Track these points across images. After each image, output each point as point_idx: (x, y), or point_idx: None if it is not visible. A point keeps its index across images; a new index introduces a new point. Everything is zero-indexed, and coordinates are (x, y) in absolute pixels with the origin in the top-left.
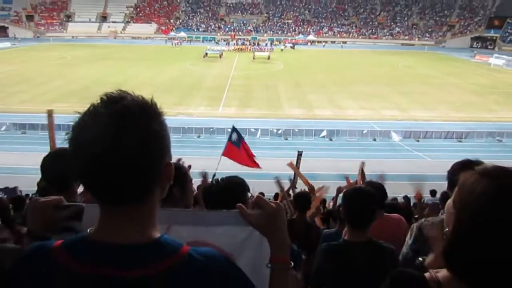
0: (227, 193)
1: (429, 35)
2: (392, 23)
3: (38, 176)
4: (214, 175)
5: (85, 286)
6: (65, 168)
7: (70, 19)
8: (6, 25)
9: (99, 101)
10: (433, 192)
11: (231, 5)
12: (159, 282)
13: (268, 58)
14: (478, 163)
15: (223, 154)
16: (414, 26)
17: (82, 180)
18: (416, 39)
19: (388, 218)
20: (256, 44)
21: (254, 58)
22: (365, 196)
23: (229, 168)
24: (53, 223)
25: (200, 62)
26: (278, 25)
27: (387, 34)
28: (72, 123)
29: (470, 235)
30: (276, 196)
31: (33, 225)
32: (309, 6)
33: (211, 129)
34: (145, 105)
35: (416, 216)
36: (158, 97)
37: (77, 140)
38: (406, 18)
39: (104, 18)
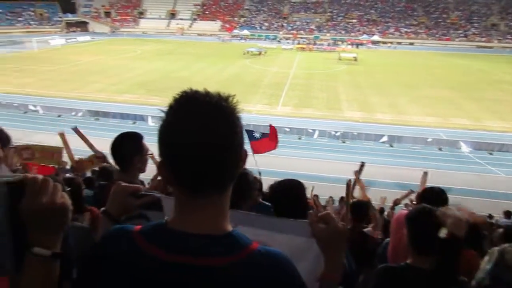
0: (287, 195)
1: (511, 37)
2: (467, 24)
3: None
4: (259, 173)
5: (160, 270)
6: (128, 150)
7: (142, 16)
8: (87, 21)
9: (186, 94)
10: (508, 213)
11: (294, 3)
12: (226, 273)
13: (355, 59)
14: None
15: (254, 153)
16: (494, 27)
17: (170, 168)
18: (496, 41)
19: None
20: (315, 43)
21: (340, 59)
22: (434, 220)
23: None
24: (128, 208)
25: (260, 60)
26: (341, 24)
27: (461, 35)
28: (161, 114)
29: None
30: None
31: (111, 207)
32: (376, 5)
33: (267, 127)
34: (229, 98)
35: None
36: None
37: (171, 127)
38: (484, 18)
39: (173, 15)
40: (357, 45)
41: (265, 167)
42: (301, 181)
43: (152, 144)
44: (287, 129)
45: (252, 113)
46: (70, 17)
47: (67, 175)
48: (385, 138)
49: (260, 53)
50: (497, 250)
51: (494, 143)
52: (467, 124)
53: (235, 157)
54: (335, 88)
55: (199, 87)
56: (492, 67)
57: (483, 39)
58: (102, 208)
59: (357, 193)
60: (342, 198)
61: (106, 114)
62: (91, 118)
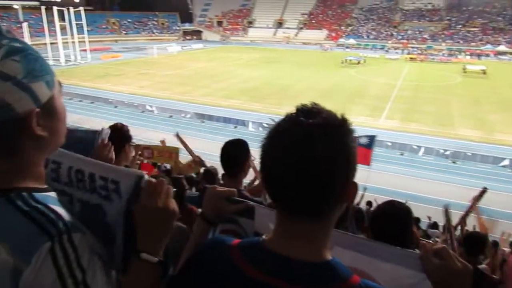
0: (390, 219)
1: None
2: None
3: (208, 161)
4: (365, 189)
5: None
6: (239, 156)
7: (251, 25)
8: (201, 29)
9: (296, 111)
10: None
11: (407, 11)
12: None
13: (484, 72)
14: None
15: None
16: None
17: (268, 185)
18: None
19: None
20: (428, 53)
21: (465, 71)
22: None
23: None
24: (222, 213)
25: (364, 69)
26: (460, 33)
27: None
28: (268, 129)
29: None
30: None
31: (206, 209)
32: (504, 12)
33: (355, 132)
34: (341, 120)
35: None
36: (321, 103)
37: (271, 145)
38: None
39: (280, 24)
40: (478, 56)
41: (361, 181)
42: (400, 200)
43: (252, 149)
44: (389, 144)
45: (353, 125)
46: (187, 26)
47: (174, 175)
48: (506, 162)
49: (358, 62)
50: None
51: None
52: None
53: (338, 186)
54: (447, 102)
55: (301, 95)
56: None
57: None
58: (199, 210)
59: (471, 221)
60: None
61: (210, 117)
62: (198, 120)
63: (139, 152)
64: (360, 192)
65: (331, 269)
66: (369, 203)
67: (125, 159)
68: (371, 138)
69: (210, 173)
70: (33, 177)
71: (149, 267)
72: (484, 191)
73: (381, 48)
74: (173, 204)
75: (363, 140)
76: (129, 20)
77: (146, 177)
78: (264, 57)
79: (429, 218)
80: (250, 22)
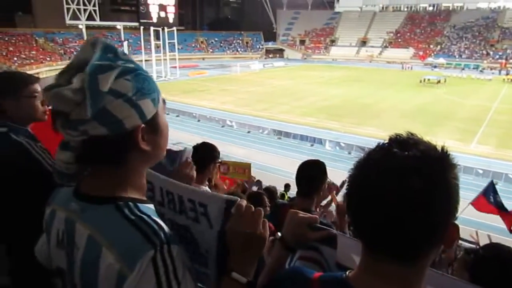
0: (495, 267)
1: None
2: None
3: (282, 178)
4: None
5: None
6: (317, 177)
7: (333, 43)
8: (283, 48)
9: (389, 141)
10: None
11: (507, 29)
12: None
13: None
14: None
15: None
16: None
17: (353, 219)
18: None
19: None
20: None
21: None
22: None
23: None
24: (303, 240)
25: (455, 89)
26: None
27: None
28: (358, 159)
29: None
30: None
31: (287, 234)
32: None
33: (458, 166)
34: (441, 153)
35: None
36: (403, 123)
37: (360, 177)
38: None
39: (363, 42)
40: None
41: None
42: (493, 234)
43: (328, 169)
44: (480, 171)
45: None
46: (270, 45)
47: (254, 188)
48: None
49: (439, 81)
50: None
51: None
52: None
53: (435, 227)
54: None
55: (382, 115)
56: None
57: None
58: (279, 234)
59: None
60: None
61: (287, 134)
62: (275, 136)
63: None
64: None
65: None
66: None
67: (209, 174)
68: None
69: (270, 191)
70: (137, 188)
71: (238, 287)
72: None
73: (474, 68)
74: (261, 229)
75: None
76: (216, 39)
77: (237, 200)
78: (345, 76)
79: None
80: (333, 41)
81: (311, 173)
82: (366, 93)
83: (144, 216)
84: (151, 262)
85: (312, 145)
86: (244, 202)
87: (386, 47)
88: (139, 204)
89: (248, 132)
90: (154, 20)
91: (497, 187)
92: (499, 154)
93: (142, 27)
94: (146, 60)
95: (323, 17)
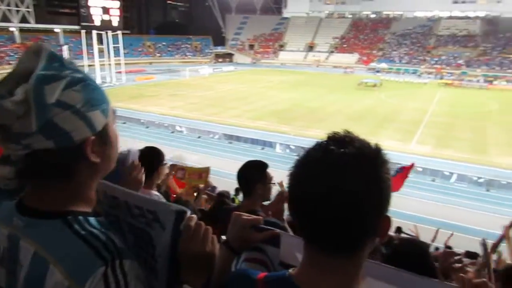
0: (408, 255)
1: None
2: None
3: (235, 182)
4: None
5: None
6: (252, 178)
7: (282, 48)
8: (233, 52)
9: (327, 139)
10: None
11: (441, 37)
12: None
13: None
14: None
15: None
16: None
17: (295, 215)
18: None
19: None
20: (461, 79)
21: None
22: None
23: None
24: (248, 241)
25: (395, 93)
26: (496, 60)
27: None
28: (297, 157)
29: None
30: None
31: (231, 238)
32: None
33: (398, 165)
34: (375, 150)
35: None
36: (348, 126)
37: (300, 174)
38: None
39: (311, 47)
40: None
41: (391, 207)
42: (431, 227)
43: (277, 171)
44: (420, 169)
45: (387, 155)
46: (219, 49)
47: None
48: None
49: (375, 85)
50: None
51: None
52: None
53: (371, 220)
54: (482, 129)
55: (329, 118)
56: None
57: None
58: (223, 238)
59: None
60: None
61: (238, 138)
62: (226, 141)
63: (173, 172)
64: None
65: None
66: (398, 229)
67: (157, 178)
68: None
69: (223, 196)
70: (86, 201)
71: None
72: None
73: (413, 73)
74: (211, 247)
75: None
76: (163, 43)
77: (187, 212)
78: (294, 80)
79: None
80: (282, 46)
81: (248, 173)
82: (313, 96)
83: (95, 231)
84: (102, 279)
85: (263, 149)
86: (193, 220)
87: (332, 52)
88: (89, 218)
89: (199, 137)
90: (97, 23)
91: (434, 183)
92: (436, 153)
93: (84, 31)
94: (89, 65)
95: (271, 22)
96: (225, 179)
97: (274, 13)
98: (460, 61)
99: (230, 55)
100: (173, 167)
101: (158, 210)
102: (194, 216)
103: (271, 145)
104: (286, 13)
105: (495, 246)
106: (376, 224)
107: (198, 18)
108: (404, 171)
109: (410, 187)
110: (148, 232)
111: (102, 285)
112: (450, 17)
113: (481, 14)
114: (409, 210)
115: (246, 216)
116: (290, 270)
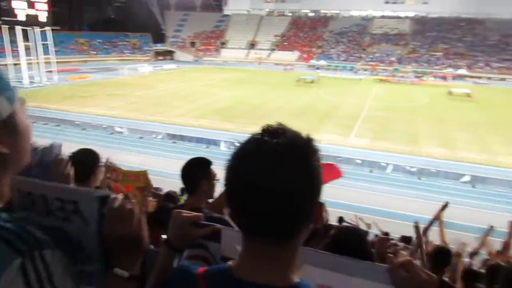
0: (347, 242)
1: None
2: None
3: (180, 182)
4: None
5: None
6: (195, 175)
7: (224, 46)
8: (173, 50)
9: (261, 131)
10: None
11: (375, 35)
12: None
13: (468, 95)
14: None
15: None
16: None
17: (233, 207)
18: None
19: None
20: (394, 76)
21: (451, 94)
22: None
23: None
24: (189, 238)
25: (334, 90)
26: (424, 57)
27: None
28: (233, 150)
29: None
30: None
31: (172, 236)
32: (464, 38)
33: (338, 158)
34: (306, 140)
35: None
36: (291, 122)
37: (235, 166)
38: None
39: (252, 45)
40: (443, 78)
41: (332, 198)
42: (371, 216)
43: (223, 168)
44: (359, 161)
45: (321, 143)
46: (159, 47)
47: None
48: (467, 178)
49: (312, 81)
50: None
51: None
52: None
53: (304, 206)
54: (415, 122)
55: (272, 115)
56: None
57: None
58: (164, 237)
59: (434, 235)
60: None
61: (182, 138)
62: (169, 141)
63: (108, 175)
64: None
65: None
66: (340, 219)
67: (95, 181)
68: None
69: (170, 196)
70: None
71: (123, 282)
72: (445, 205)
73: (350, 70)
74: (136, 228)
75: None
76: (99, 40)
77: (110, 196)
78: (236, 77)
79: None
80: (223, 43)
81: (192, 171)
82: (256, 94)
83: (8, 225)
84: (20, 271)
85: (207, 147)
86: (117, 202)
87: (273, 49)
88: (1, 213)
89: (141, 138)
90: (21, 18)
91: (372, 174)
92: (373, 146)
93: (6, 26)
94: (14, 64)
95: (212, 19)
96: (170, 179)
97: (214, 10)
98: (393, 58)
99: (171, 53)
100: (107, 168)
101: (80, 199)
102: (118, 197)
103: (215, 143)
104: (226, 10)
105: (426, 229)
106: (310, 211)
107: (136, 15)
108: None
109: (350, 178)
110: (64, 230)
111: (20, 277)
112: (383, 17)
113: (410, 14)
114: (350, 200)
115: (186, 213)
116: (230, 262)
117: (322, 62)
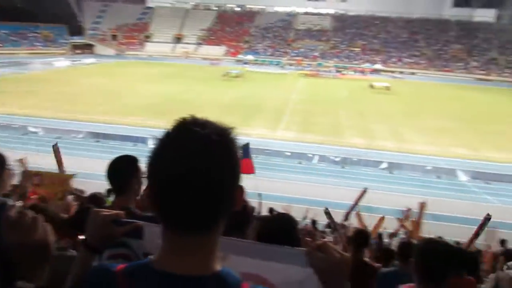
0: (276, 231)
1: (509, 72)
2: (467, 57)
3: (106, 182)
4: (260, 196)
5: None
6: (125, 173)
7: (148, 39)
8: (93, 43)
9: (179, 123)
10: (503, 242)
11: (299, 31)
12: None
13: (388, 89)
14: None
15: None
16: (493, 61)
17: (155, 201)
18: (494, 74)
19: (462, 280)
20: (318, 70)
21: (372, 87)
22: (446, 251)
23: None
24: (110, 237)
25: (264, 84)
26: (344, 52)
27: (461, 67)
28: (154, 142)
29: None
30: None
31: (91, 237)
32: (379, 35)
33: (267, 151)
34: (224, 130)
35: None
36: (219, 117)
37: (155, 160)
38: (484, 52)
39: (178, 39)
40: (361, 72)
41: (264, 191)
42: (300, 206)
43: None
44: (288, 154)
45: (252, 137)
46: (76, 40)
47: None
48: (384, 165)
49: (237, 75)
50: (493, 276)
51: (492, 173)
52: (466, 153)
53: (225, 195)
54: (336, 114)
55: (202, 110)
56: (492, 99)
57: (483, 72)
58: (81, 237)
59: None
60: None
61: (106, 136)
62: (92, 140)
63: (30, 180)
64: (257, 201)
65: (220, 280)
66: (271, 210)
67: (3, 187)
68: (246, 147)
69: (96, 198)
70: None
71: None
72: (364, 191)
73: (277, 64)
74: (41, 235)
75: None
76: (4, 31)
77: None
78: (163, 72)
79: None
80: (148, 37)
81: (120, 170)
82: (184, 89)
83: None
84: None
85: (135, 145)
86: (13, 210)
87: (200, 44)
88: None
89: (59, 138)
90: None
91: (299, 165)
92: (300, 138)
93: None
94: None
95: (135, 11)
96: (96, 181)
97: (136, 1)
98: (316, 54)
99: (90, 46)
100: (26, 174)
101: None
102: (16, 205)
103: (143, 140)
104: (150, 2)
105: (348, 213)
106: (232, 197)
107: (48, 4)
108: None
109: (280, 170)
110: None
111: None
112: (306, 13)
113: (331, 11)
114: (280, 192)
115: (105, 211)
116: (151, 257)
117: (250, 57)
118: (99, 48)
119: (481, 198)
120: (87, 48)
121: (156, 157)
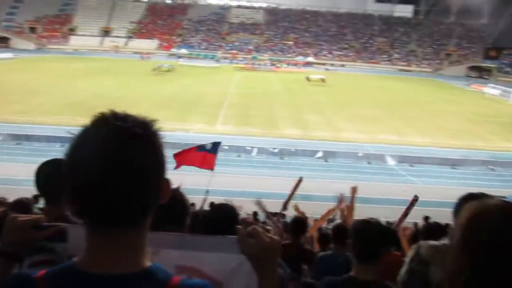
0: (219, 221)
1: (426, 63)
2: (390, 49)
3: (32, 188)
4: (207, 191)
5: None
6: (57, 179)
7: (73, 32)
8: (8, 36)
9: (99, 118)
10: (426, 218)
11: (233, 24)
12: None
13: (323, 81)
14: (480, 196)
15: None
16: (412, 53)
17: (76, 199)
18: (414, 65)
19: (392, 256)
20: (253, 63)
21: (309, 80)
22: (379, 230)
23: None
24: (30, 243)
25: (199, 78)
26: (278, 46)
27: (386, 59)
28: (71, 139)
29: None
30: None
31: (8, 244)
32: (310, 29)
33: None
34: (147, 123)
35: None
36: (156, 113)
37: (75, 156)
38: (404, 45)
39: (106, 32)
40: (295, 65)
41: (205, 185)
42: (242, 198)
43: None
44: (226, 147)
45: (190, 132)
46: None
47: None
48: (320, 154)
49: (168, 70)
50: (414, 246)
51: (415, 156)
52: (393, 139)
53: (151, 188)
54: (273, 106)
55: (136, 107)
56: (413, 88)
57: (404, 63)
58: None
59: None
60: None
61: (29, 138)
62: (12, 142)
63: None
64: (202, 197)
65: (150, 276)
66: (212, 205)
67: None
68: (216, 144)
69: (22, 203)
70: None
71: None
72: (300, 180)
73: (212, 58)
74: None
75: (209, 146)
76: None
77: None
78: (90, 67)
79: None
80: (72, 29)
81: (52, 175)
82: (114, 85)
83: None
84: None
85: (62, 146)
86: None
87: (130, 37)
88: None
89: None
90: None
91: (239, 158)
92: (238, 131)
93: None
94: None
95: (55, 2)
96: (21, 187)
97: None
98: (251, 47)
99: (5, 40)
100: None
101: None
102: None
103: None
104: None
105: (286, 202)
106: (159, 189)
107: None
108: (210, 161)
109: (221, 165)
110: None
111: None
112: (239, 6)
113: (263, 4)
114: (223, 186)
115: (24, 216)
116: (74, 259)
117: (183, 51)
118: (16, 42)
119: (408, 180)
120: (1, 42)
121: (76, 154)
